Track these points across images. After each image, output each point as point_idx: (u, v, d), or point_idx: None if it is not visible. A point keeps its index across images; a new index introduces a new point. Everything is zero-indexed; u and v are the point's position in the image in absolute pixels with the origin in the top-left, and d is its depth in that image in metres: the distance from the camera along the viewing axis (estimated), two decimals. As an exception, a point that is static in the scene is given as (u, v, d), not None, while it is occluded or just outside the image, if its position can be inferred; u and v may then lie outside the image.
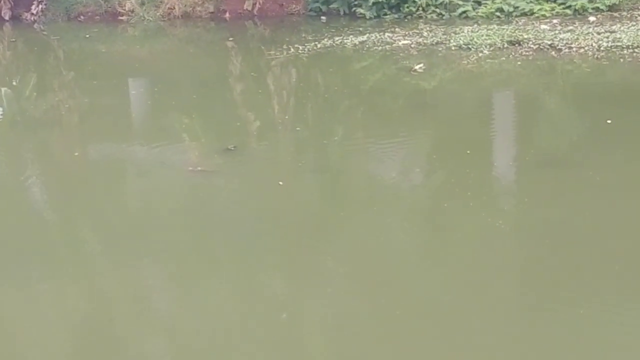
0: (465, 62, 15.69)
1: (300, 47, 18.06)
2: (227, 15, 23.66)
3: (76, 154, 11.12)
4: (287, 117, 12.98)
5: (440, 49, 17.05)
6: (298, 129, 12.03)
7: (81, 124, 13.20)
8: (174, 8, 23.83)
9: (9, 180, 10.45)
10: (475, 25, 19.13)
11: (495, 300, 6.57)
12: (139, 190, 9.73)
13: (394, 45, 17.69)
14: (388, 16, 21.69)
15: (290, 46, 18.28)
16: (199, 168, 10.19)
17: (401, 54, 16.84)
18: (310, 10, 23.30)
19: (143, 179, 10.11)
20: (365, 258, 7.50)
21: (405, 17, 21.47)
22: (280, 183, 9.56)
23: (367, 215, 8.55)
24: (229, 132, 11.93)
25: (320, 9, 23.14)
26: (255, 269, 7.39)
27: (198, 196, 9.31)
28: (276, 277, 7.32)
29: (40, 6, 24.42)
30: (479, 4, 21.15)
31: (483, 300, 6.56)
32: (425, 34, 18.62)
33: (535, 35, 17.25)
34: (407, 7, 21.58)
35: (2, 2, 24.34)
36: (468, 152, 10.20)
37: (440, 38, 17.87)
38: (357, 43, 18.21)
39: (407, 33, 18.98)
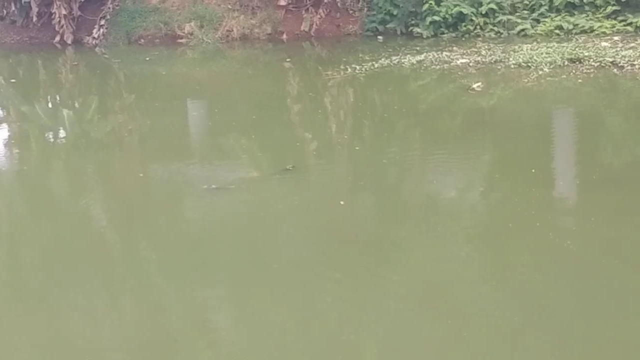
0: (525, 80, 15.45)
1: (358, 67, 17.99)
2: (285, 36, 23.73)
3: (141, 175, 11.13)
4: (345, 136, 12.88)
5: (499, 67, 16.84)
6: (357, 148, 11.91)
7: (142, 145, 13.23)
8: (232, 30, 23.98)
9: (72, 201, 10.48)
10: (535, 43, 18.88)
11: (565, 322, 6.36)
12: (200, 210, 9.67)
13: (451, 64, 17.54)
14: (445, 35, 21.56)
15: (347, 66, 18.22)
16: (214, 186, 10.14)
17: (459, 73, 16.67)
18: (367, 30, 23.26)
19: (204, 198, 10.06)
20: (427, 280, 7.34)
21: (462, 35, 21.31)
22: (342, 202, 9.44)
23: (428, 236, 8.39)
24: (287, 152, 11.86)
25: (377, 29, 23.09)
26: (315, 289, 7.27)
27: (258, 216, 9.22)
28: (336, 298, 7.18)
29: (101, 30, 24.74)
30: (538, 21, 20.91)
31: (553, 322, 6.35)
32: (483, 52, 18.43)
33: (596, 52, 16.95)
34: (465, 26, 21.42)
35: (64, 26, 24.71)
36: (533, 170, 9.98)
37: (499, 56, 17.67)
38: (415, 62, 18.08)
39: (465, 52, 18.81)
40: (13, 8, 25.59)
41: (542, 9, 21.12)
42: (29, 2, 24.79)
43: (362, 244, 8.27)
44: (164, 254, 8.26)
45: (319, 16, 23.77)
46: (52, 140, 14.44)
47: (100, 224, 9.48)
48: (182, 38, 24.12)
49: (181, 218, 9.43)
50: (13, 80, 20.62)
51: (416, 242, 8.29)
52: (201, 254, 8.18)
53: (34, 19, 25.19)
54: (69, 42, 24.70)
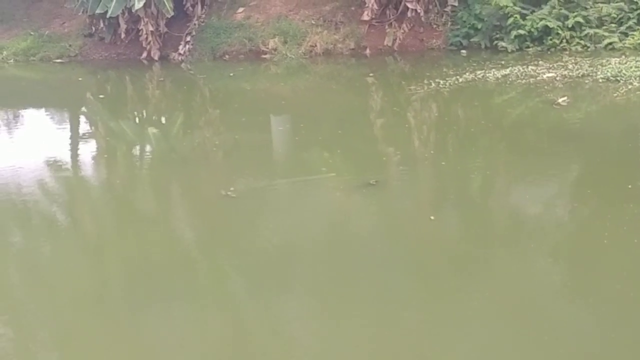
0: (614, 94, 15.12)
1: (441, 82, 17.87)
2: (368, 51, 23.71)
3: (226, 192, 11.19)
4: (431, 151, 12.78)
5: (586, 81, 16.52)
6: (443, 163, 11.80)
7: (228, 160, 13.31)
8: (316, 45, 24.05)
9: (157, 216, 10.61)
10: (623, 57, 18.49)
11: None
12: (284, 225, 9.67)
13: (537, 78, 17.28)
14: (531, 49, 21.26)
15: (431, 81, 18.11)
16: (227, 192, 10.23)
17: (545, 87, 16.40)
18: (451, 44, 23.10)
19: (289, 214, 10.07)
20: (517, 299, 7.20)
21: (548, 49, 20.99)
22: (432, 217, 9.36)
23: (518, 253, 8.24)
24: (371, 166, 11.82)
25: (461, 43, 22.91)
26: (402, 307, 7.19)
27: (343, 231, 9.19)
28: (422, 316, 7.09)
29: (187, 46, 25.08)
30: (626, 35, 20.46)
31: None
32: (570, 66, 18.12)
33: (688, 66, 16.54)
34: (551, 40, 21.09)
35: (151, 42, 25.11)
36: (629, 186, 9.72)
37: (586, 70, 17.34)
38: (500, 76, 17.88)
39: (551, 66, 18.52)
40: (102, 25, 26.10)
41: (631, 22, 20.67)
42: (117, 20, 25.28)
43: (451, 261, 8.18)
44: (247, 269, 8.27)
45: (402, 31, 23.69)
46: (138, 155, 14.64)
47: (185, 239, 9.56)
48: (266, 54, 24.29)
49: (264, 233, 9.43)
50: (101, 96, 21.01)
51: (506, 259, 8.17)
52: (284, 269, 8.17)
53: (122, 35, 25.66)
54: (156, 58, 25.08)
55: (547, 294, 7.22)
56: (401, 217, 9.69)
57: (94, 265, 8.82)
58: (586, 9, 21.24)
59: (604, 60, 18.18)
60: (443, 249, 8.50)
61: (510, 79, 17.54)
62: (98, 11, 25.00)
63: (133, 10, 24.46)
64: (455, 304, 7.19)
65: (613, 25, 20.85)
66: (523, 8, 21.82)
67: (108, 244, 9.55)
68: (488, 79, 17.78)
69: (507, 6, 21.68)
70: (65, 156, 14.15)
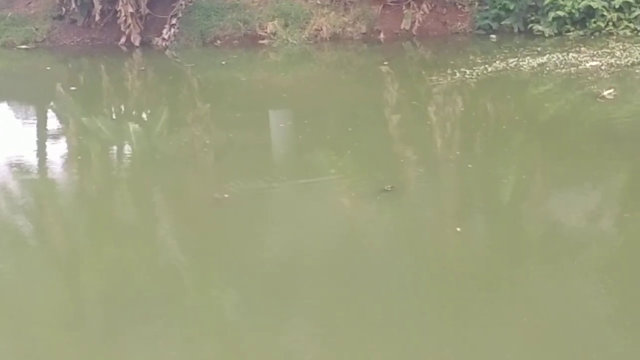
0: (669, 86, 15.18)
1: (468, 71, 17.90)
2: (382, 36, 23.75)
3: (225, 195, 11.16)
4: (457, 152, 12.78)
5: (637, 71, 16.54)
6: (470, 166, 11.82)
7: (220, 163, 13.31)
8: (322, 29, 24.08)
9: (140, 227, 10.63)
10: (680, 42, 18.53)
11: None
12: (286, 236, 9.69)
13: (579, 67, 17.32)
14: (571, 33, 21.28)
15: (455, 70, 18.14)
16: (219, 199, 10.36)
17: (588, 78, 16.43)
18: (479, 28, 23.14)
19: (291, 224, 10.09)
20: (552, 321, 7.21)
21: (592, 34, 21.01)
22: (458, 229, 9.39)
23: (555, 269, 8.26)
24: (386, 170, 11.84)
25: (490, 27, 22.93)
26: (424, 333, 7.21)
27: (354, 246, 9.20)
28: (448, 343, 7.10)
29: (172, 30, 25.07)
30: (683, 16, 20.49)
31: None
32: (617, 53, 18.15)
33: None
34: (595, 23, 21.10)
35: (131, 26, 25.09)
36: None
37: (637, 58, 17.38)
38: (535, 65, 17.91)
39: (595, 53, 18.55)
40: (73, 6, 26.03)
41: (689, 1, 20.71)
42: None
43: (479, 280, 8.19)
44: (242, 289, 8.26)
45: (422, 12, 23.72)
46: (116, 156, 14.64)
47: (171, 253, 9.57)
48: (263, 39, 24.32)
49: (263, 245, 9.47)
50: (73, 88, 20.98)
51: (543, 279, 8.16)
52: (285, 290, 8.19)
53: (97, 18, 25.61)
54: (136, 44, 25.08)
55: (590, 322, 7.23)
56: (422, 228, 9.71)
57: (66, 286, 8.84)
58: (637, -14, 21.27)
59: (657, 46, 18.24)
60: (470, 266, 8.51)
61: (547, 68, 17.56)
62: (69, -11, 25.07)
63: (110, -12, 24.54)
64: (484, 331, 7.20)
65: (668, 5, 20.90)
66: (563, -14, 21.86)
67: (83, 261, 9.54)
68: (522, 68, 17.80)
69: (544, -17, 21.74)
70: (31, 158, 14.15)
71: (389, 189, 10.68)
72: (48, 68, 24.16)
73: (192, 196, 11.64)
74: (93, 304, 8.37)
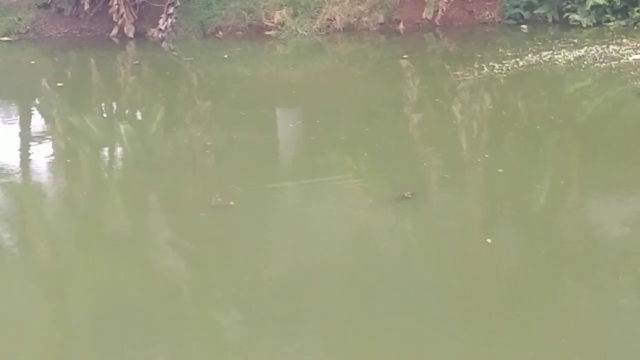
0: None
1: (496, 66, 17.89)
2: (401, 26, 23.72)
3: (230, 203, 11.14)
4: (485, 155, 12.75)
5: (685, 65, 16.53)
6: (500, 170, 11.78)
7: (222, 167, 13.30)
8: (335, 19, 24.06)
9: (133, 237, 10.61)
10: None
11: None
12: (294, 247, 9.66)
13: (620, 61, 17.29)
14: (612, 23, 21.25)
15: (483, 64, 18.13)
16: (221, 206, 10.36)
17: (631, 73, 16.39)
18: (509, 17, 23.10)
19: (301, 233, 10.07)
20: (592, 341, 7.19)
21: (635, 24, 20.98)
22: (489, 241, 9.34)
23: (594, 285, 8.27)
24: (407, 174, 11.84)
25: (522, 16, 22.90)
26: (448, 355, 7.18)
27: (370, 259, 9.17)
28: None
29: (169, 20, 25.06)
30: None
31: None
32: (663, 45, 18.14)
33: None
34: (638, 12, 21.05)
35: (124, 16, 25.10)
36: None
37: (686, 51, 17.36)
38: (572, 59, 17.88)
39: (638, 45, 18.48)
40: (60, -7, 26.20)
41: None
42: (80, -13, 25.36)
43: (512, 296, 8.16)
44: (246, 306, 8.25)
45: (445, 0, 23.68)
46: (107, 160, 14.65)
47: (167, 267, 9.55)
48: (270, 29, 24.33)
49: (269, 258, 9.45)
50: (60, 84, 21.03)
51: (582, 294, 8.17)
52: (293, 307, 8.16)
53: (86, 7, 25.63)
54: (130, 35, 25.09)
55: (630, 336, 7.20)
56: (446, 240, 9.65)
57: (52, 303, 8.81)
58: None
59: None
60: (502, 282, 8.48)
61: (585, 62, 17.54)
62: (56, -25, 25.12)
63: (100, -26, 24.57)
64: (518, 355, 7.17)
65: None
66: (602, -30, 21.81)
67: (70, 276, 9.50)
68: (557, 62, 17.77)
69: (581, -32, 21.70)
70: (13, 161, 14.16)
71: (409, 195, 10.64)
72: (32, 62, 24.18)
73: (191, 204, 11.60)
74: (80, 324, 8.33)
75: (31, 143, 15.45)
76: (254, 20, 24.72)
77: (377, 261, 9.15)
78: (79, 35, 26.22)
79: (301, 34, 23.88)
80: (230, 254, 9.59)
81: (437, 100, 16.79)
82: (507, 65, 17.86)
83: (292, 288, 8.59)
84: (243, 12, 24.88)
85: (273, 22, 24.46)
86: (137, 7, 25.33)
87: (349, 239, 9.83)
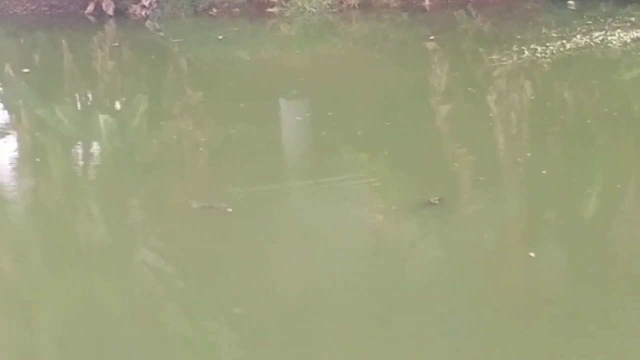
0: None
1: (539, 49, 17.90)
2: (427, 2, 23.75)
3: (228, 210, 11.17)
4: (527, 154, 12.74)
5: None
6: (543, 172, 11.77)
7: (217, 166, 13.32)
8: (348, -6, 24.12)
9: (114, 248, 10.61)
10: None
11: None
12: (304, 258, 9.65)
13: (688, 43, 17.31)
14: (678, -2, 21.25)
15: (523, 47, 18.15)
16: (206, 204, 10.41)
17: (699, 57, 16.42)
18: (553, -8, 23.11)
19: (311, 243, 10.07)
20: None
21: None
22: (531, 255, 9.33)
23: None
24: (434, 176, 11.86)
25: (569, -10, 22.92)
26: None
27: (392, 275, 9.16)
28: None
29: (155, -5, 25.18)
30: None
31: None
32: None
33: None
34: None
35: (103, -10, 25.20)
36: None
37: None
38: (628, 41, 17.89)
39: None
40: (27, -36, 26.28)
41: None
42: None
43: (561, 321, 8.13)
44: (245, 332, 8.23)
45: (479, -29, 23.74)
46: (81, 158, 14.67)
47: (153, 282, 9.55)
48: (273, 6, 24.38)
49: (272, 274, 9.43)
50: (26, 71, 21.06)
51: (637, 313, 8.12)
52: (301, 333, 8.18)
53: (57, -21, 25.83)
54: (109, 12, 25.15)
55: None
56: (481, 254, 9.63)
57: (19, 325, 8.81)
58: None
59: None
60: (549, 304, 8.44)
61: (644, 45, 17.56)
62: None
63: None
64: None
65: None
66: None
67: (39, 296, 9.51)
68: (611, 45, 17.78)
69: None
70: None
71: (436, 201, 10.65)
72: (-6, 44, 24.27)
73: (180, 209, 11.58)
74: (51, 349, 8.35)
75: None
76: (254, -6, 24.79)
77: (400, 278, 9.12)
78: (48, 12, 26.31)
79: (309, 11, 23.92)
80: (227, 269, 9.58)
81: (470, 89, 16.80)
82: (551, 48, 17.87)
83: (297, 311, 8.58)
84: (241, -15, 24.94)
85: (276, -2, 24.53)
86: (117, -20, 25.41)
87: (365, 253, 9.82)
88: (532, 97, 15.65)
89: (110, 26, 24.61)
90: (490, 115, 14.85)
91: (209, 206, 10.94)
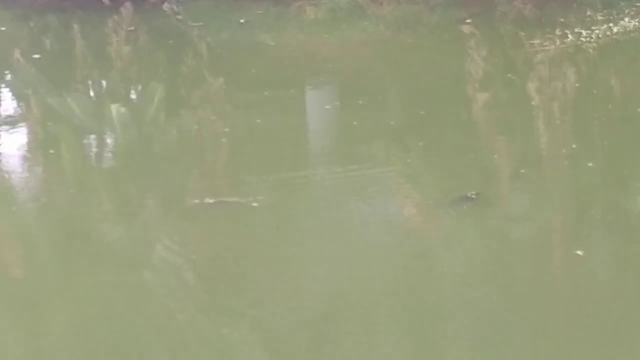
0: None
1: (584, 32, 17.87)
2: (463, -17, 23.70)
3: (254, 204, 11.17)
4: (572, 145, 12.70)
5: None
6: (590, 164, 11.73)
7: (241, 159, 13.31)
8: (379, -26, 24.08)
9: (130, 247, 10.61)
10: None
11: None
12: (330, 257, 9.62)
13: None
14: None
15: (566, 31, 18.12)
16: (211, 200, 10.58)
17: None
18: (601, -29, 23.02)
19: (337, 240, 10.04)
20: None
21: None
22: (579, 253, 9.28)
23: None
24: (471, 169, 11.84)
25: (617, -33, 22.81)
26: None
27: (426, 275, 9.14)
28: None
29: (173, -24, 25.21)
30: None
31: None
32: None
33: None
34: None
35: (117, -28, 25.23)
36: None
37: None
38: (684, 24, 17.87)
39: None
40: (37, -56, 26.35)
41: None
42: None
43: (611, 321, 8.09)
44: (265, 340, 8.21)
45: (519, -51, 23.66)
46: (94, 150, 14.69)
47: (172, 284, 9.54)
48: (299, -12, 24.40)
49: (295, 276, 9.42)
50: (36, 57, 21.15)
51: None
52: (327, 343, 8.12)
53: (69, -41, 25.88)
54: (123, -5, 25.27)
55: None
56: (523, 252, 9.61)
57: (28, 328, 8.81)
58: None
59: None
60: (598, 303, 8.43)
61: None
62: None
63: None
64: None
65: None
66: None
67: (51, 288, 9.53)
68: (663, 29, 17.75)
69: None
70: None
71: (473, 196, 10.61)
72: (2, 28, 24.30)
73: (202, 204, 11.57)
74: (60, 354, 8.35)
75: (0, 129, 15.52)
76: (279, -24, 24.79)
77: (436, 279, 9.12)
78: (60, -5, 26.36)
79: (338, -6, 23.92)
80: (250, 269, 9.58)
81: (509, 76, 16.81)
82: (597, 32, 17.83)
83: (324, 317, 8.53)
84: (265, -35, 24.94)
85: (302, -22, 24.51)
86: (133, -40, 25.43)
87: (399, 250, 9.83)
88: (577, 85, 15.63)
89: (126, 9, 24.62)
90: (532, 104, 14.78)
91: (232, 201, 10.92)
